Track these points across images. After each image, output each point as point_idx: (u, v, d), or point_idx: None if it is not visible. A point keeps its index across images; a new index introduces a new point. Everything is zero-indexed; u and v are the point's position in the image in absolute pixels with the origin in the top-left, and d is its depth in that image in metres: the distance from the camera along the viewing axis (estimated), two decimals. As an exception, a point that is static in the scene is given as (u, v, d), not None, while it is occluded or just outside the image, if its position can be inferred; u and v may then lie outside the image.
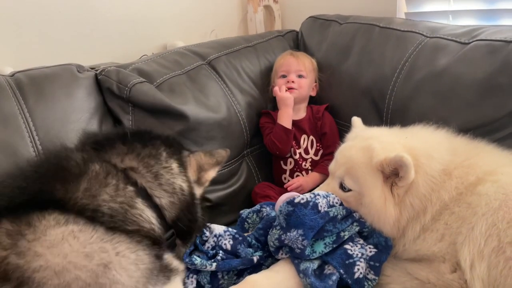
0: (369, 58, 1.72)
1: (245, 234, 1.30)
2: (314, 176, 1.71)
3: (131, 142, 1.10)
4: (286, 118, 1.71)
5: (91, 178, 0.96)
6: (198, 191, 1.21)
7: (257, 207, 1.41)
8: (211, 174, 1.25)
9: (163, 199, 1.06)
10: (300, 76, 1.78)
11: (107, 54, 1.99)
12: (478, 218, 1.07)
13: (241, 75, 1.81)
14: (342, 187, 1.25)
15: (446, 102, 1.47)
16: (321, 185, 1.35)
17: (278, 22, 2.47)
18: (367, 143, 1.22)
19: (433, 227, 1.15)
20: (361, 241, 1.20)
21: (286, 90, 1.75)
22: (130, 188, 1.00)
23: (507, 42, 1.40)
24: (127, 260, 0.89)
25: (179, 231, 1.10)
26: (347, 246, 1.16)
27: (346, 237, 1.18)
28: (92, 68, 1.60)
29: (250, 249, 1.25)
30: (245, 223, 1.41)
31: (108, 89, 1.52)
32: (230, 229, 1.29)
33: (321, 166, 1.72)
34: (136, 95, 1.49)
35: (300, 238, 1.14)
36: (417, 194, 1.15)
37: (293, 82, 1.76)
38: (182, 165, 1.16)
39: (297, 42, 2.04)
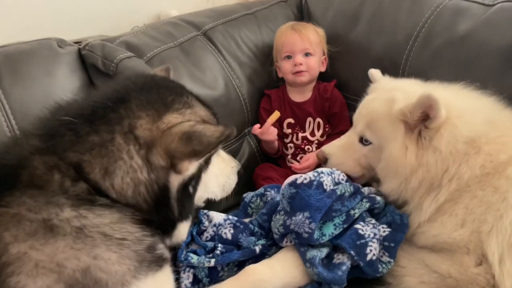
0: (380, 25, 1.59)
1: (248, 220, 1.22)
2: None
3: (81, 125, 0.89)
4: (270, 149, 1.64)
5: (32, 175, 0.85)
6: (177, 179, 0.94)
7: (261, 190, 1.33)
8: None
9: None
10: (307, 55, 1.62)
11: (95, 27, 1.86)
12: (508, 205, 0.97)
13: (241, 47, 1.68)
14: (363, 140, 1.22)
15: (466, 72, 1.35)
16: (341, 137, 1.32)
17: (279, -13, 2.29)
18: (390, 94, 1.17)
19: (452, 211, 1.05)
20: (373, 221, 1.13)
21: (296, 72, 1.60)
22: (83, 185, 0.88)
23: (537, 3, 1.26)
24: None
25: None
26: (357, 226, 1.09)
27: (356, 215, 1.11)
28: (76, 43, 1.47)
29: (253, 238, 1.17)
30: (248, 208, 1.32)
31: (93, 65, 1.39)
32: (230, 217, 1.21)
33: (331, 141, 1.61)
34: (124, 71, 1.36)
35: (307, 221, 1.06)
36: (436, 151, 1.06)
37: (301, 64, 1.60)
38: (143, 147, 0.90)
39: (301, 8, 1.88)
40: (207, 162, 1.03)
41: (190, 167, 0.93)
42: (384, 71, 1.54)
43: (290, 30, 1.64)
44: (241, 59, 1.66)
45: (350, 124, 1.64)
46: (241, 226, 1.18)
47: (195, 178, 0.99)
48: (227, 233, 1.16)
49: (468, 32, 1.36)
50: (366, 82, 1.54)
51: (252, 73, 1.67)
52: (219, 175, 1.15)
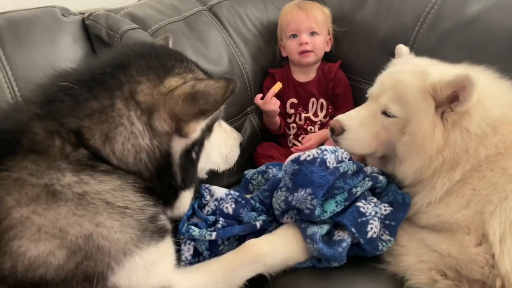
0: (388, 5, 1.56)
1: (249, 196, 1.22)
2: (325, 133, 1.58)
3: (80, 91, 0.88)
4: (271, 125, 1.63)
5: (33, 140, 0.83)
6: (180, 144, 0.93)
7: (263, 167, 1.33)
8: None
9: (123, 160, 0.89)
10: (313, 34, 1.60)
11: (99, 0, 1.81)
12: None
13: (246, 24, 1.65)
14: (385, 113, 1.14)
15: (475, 55, 1.32)
16: (358, 108, 1.23)
17: (286, -35, 2.26)
18: (421, 68, 1.13)
19: (460, 192, 1.05)
20: (375, 200, 1.13)
21: (302, 52, 1.58)
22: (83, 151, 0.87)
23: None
24: None
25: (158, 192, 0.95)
26: (359, 204, 1.09)
27: (358, 193, 1.10)
28: (80, 14, 1.44)
29: (254, 213, 1.17)
30: (250, 184, 1.32)
31: (96, 35, 1.37)
32: (232, 192, 1.20)
33: None
34: (128, 43, 1.34)
35: (309, 198, 1.06)
36: (464, 131, 1.05)
37: (306, 43, 1.58)
38: (145, 113, 0.88)
39: (307, -13, 1.85)
40: (209, 129, 1.00)
41: (197, 128, 0.92)
42: (390, 54, 1.52)
43: (296, 9, 1.62)
44: (246, 36, 1.64)
45: (353, 105, 1.65)
46: (243, 201, 1.17)
47: (198, 144, 0.98)
48: (229, 207, 1.15)
49: (477, 15, 1.34)
50: (371, 63, 1.54)
51: (256, 51, 1.65)
52: (222, 146, 1.13)
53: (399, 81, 1.13)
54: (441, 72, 1.09)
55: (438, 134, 1.05)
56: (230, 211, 1.15)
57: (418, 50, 1.45)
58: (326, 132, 1.60)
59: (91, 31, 1.38)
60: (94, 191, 0.82)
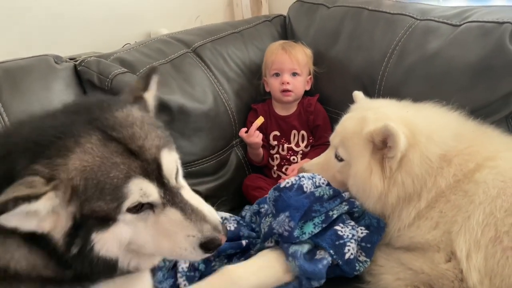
0: (358, 42, 1.68)
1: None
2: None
3: None
4: (255, 156, 1.72)
5: None
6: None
7: (255, 207, 1.36)
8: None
9: None
10: (294, 74, 1.71)
11: (88, 44, 1.91)
12: (475, 207, 1.05)
13: (228, 63, 1.76)
14: (337, 156, 1.28)
15: (438, 86, 1.44)
16: (321, 155, 1.39)
17: (265, 6, 2.40)
18: (363, 114, 1.24)
19: (428, 215, 1.13)
20: (352, 223, 1.20)
21: (283, 90, 1.68)
22: None
23: (499, 24, 1.36)
24: None
25: None
26: (337, 228, 1.16)
27: (335, 215, 1.17)
28: (71, 59, 1.53)
29: (253, 233, 1.26)
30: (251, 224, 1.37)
31: (88, 80, 1.45)
32: (235, 216, 1.33)
33: (314, 153, 1.68)
34: (118, 86, 1.42)
35: (287, 220, 1.14)
36: (411, 173, 1.13)
37: (288, 83, 1.68)
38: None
39: (284, 27, 1.98)
40: (104, 220, 0.74)
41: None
42: (363, 87, 1.63)
43: (280, 50, 1.73)
44: (229, 74, 1.74)
45: None
46: (244, 224, 1.28)
47: (73, 237, 0.73)
48: (231, 226, 1.25)
49: (438, 50, 1.45)
50: (346, 97, 1.60)
51: (239, 88, 1.74)
52: (152, 241, 0.79)
53: (344, 127, 1.27)
54: (378, 118, 1.17)
55: (375, 178, 1.14)
56: (232, 228, 1.25)
57: (388, 83, 1.57)
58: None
59: (83, 77, 1.46)
60: None
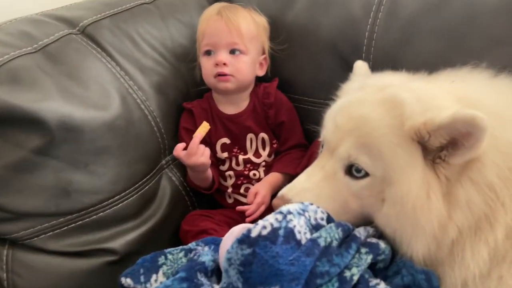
0: (324, -4, 1.20)
1: None
2: (275, 179, 1.17)
3: None
4: (200, 181, 1.17)
5: None
6: None
7: (190, 245, 0.87)
8: None
9: None
10: (234, 52, 1.16)
11: None
12: None
13: (140, 46, 1.20)
14: (351, 171, 0.77)
15: (457, 42, 1.01)
16: (308, 170, 0.84)
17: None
18: (389, 92, 0.76)
19: None
20: (382, 285, 0.71)
21: (218, 75, 1.15)
22: None
23: None
24: None
25: None
26: None
27: (355, 278, 0.70)
28: None
29: None
30: (162, 257, 0.84)
31: None
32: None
33: (283, 161, 1.20)
34: None
35: None
36: (479, 182, 0.69)
37: (224, 64, 1.14)
38: None
39: (218, -8, 1.45)
40: None
41: None
42: (341, 58, 1.18)
43: (214, 15, 1.18)
44: (143, 62, 1.17)
45: (302, 134, 1.25)
46: None
47: None
48: None
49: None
50: (318, 75, 1.19)
51: (161, 81, 1.19)
52: None
53: (361, 118, 0.76)
54: (421, 99, 0.73)
55: (435, 200, 0.70)
56: None
57: (378, 47, 1.11)
58: (276, 177, 1.18)
59: None
60: None
